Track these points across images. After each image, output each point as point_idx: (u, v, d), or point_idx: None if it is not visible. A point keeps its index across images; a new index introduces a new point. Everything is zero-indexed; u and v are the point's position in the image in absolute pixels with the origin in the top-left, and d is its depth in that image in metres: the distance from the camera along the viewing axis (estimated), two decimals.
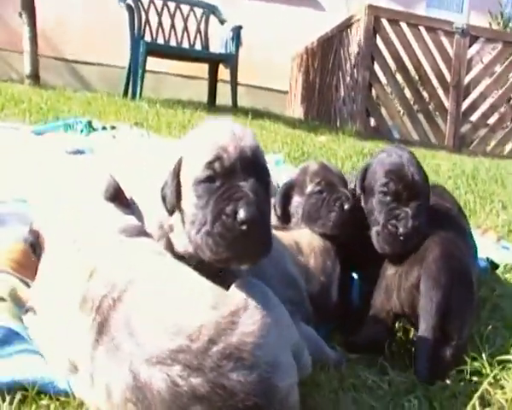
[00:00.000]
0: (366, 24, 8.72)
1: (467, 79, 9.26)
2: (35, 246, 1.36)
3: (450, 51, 9.09)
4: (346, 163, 5.60)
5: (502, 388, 1.55)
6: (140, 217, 1.41)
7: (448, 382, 1.51)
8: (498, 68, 9.53)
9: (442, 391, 1.48)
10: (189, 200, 1.29)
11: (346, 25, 9.85)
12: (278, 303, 1.18)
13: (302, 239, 1.85)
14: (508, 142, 10.13)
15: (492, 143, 10.12)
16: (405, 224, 1.77)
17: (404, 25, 8.87)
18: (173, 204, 1.32)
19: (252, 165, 1.26)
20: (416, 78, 9.40)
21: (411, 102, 9.73)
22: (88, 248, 1.22)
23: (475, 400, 1.42)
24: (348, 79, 9.96)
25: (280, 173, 4.16)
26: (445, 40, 9.06)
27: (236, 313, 1.05)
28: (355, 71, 9.61)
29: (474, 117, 9.75)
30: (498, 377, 1.56)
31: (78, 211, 1.34)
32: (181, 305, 1.06)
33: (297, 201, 1.99)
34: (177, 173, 1.34)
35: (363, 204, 1.96)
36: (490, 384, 1.54)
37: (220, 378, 0.98)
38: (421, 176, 1.88)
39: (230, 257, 1.22)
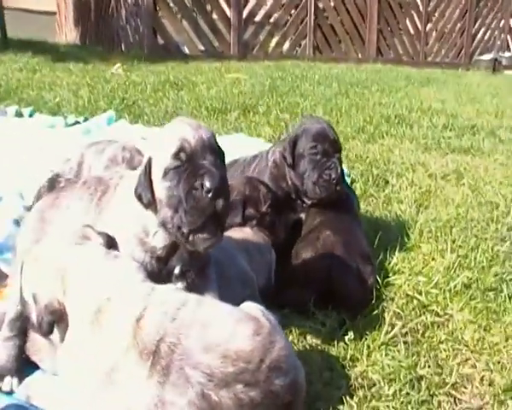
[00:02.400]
0: None
1: None
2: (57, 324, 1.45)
3: None
4: (161, 100, 5.68)
5: (392, 300, 2.17)
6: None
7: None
8: None
9: (363, 319, 2.03)
10: (162, 188, 1.52)
11: None
12: None
13: (247, 238, 2.14)
14: (284, 42, 11.20)
15: (272, 45, 11.09)
16: (336, 170, 2.33)
17: None
18: (149, 198, 1.53)
19: (209, 148, 1.54)
20: None
21: (195, 16, 9.98)
22: (126, 300, 1.37)
23: (389, 317, 2.01)
24: (130, 0, 9.69)
25: (118, 133, 4.12)
26: None
27: (271, 333, 1.39)
28: None
29: (254, 24, 10.48)
30: (391, 296, 2.17)
31: (96, 270, 1.43)
32: (231, 336, 1.33)
33: (252, 214, 2.25)
34: (148, 171, 1.55)
35: (292, 170, 2.43)
36: (388, 301, 2.15)
37: (269, 386, 1.32)
38: (337, 135, 2.45)
39: (206, 223, 1.49)
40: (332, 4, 11.22)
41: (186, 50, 10.31)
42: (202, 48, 10.24)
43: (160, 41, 9.83)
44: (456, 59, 13.19)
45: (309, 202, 2.43)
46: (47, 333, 1.48)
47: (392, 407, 1.63)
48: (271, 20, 10.80)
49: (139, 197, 1.55)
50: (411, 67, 11.43)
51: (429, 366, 1.82)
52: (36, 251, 1.53)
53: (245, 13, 10.16)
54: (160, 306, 1.38)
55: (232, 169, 2.78)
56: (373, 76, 8.75)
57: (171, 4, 9.66)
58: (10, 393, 1.62)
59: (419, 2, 12.09)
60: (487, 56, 12.42)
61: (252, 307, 1.51)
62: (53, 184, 2.28)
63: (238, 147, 3.58)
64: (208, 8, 9.85)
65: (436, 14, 12.42)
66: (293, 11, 11.06)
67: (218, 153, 1.58)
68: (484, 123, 5.50)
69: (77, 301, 1.42)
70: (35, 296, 1.48)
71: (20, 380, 1.65)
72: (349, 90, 6.97)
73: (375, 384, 1.75)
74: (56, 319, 1.46)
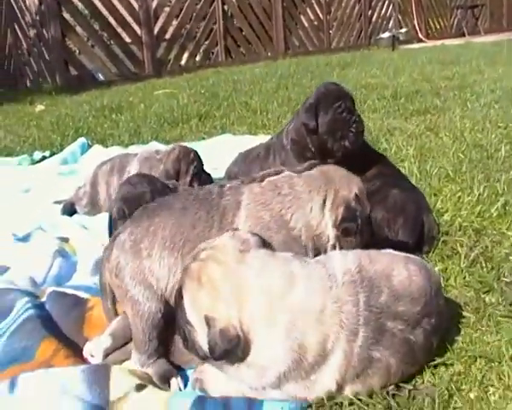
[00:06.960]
0: None
1: (154, 4, 9.91)
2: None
3: None
4: (115, 123, 5.67)
5: (449, 233, 2.47)
6: None
7: None
8: None
9: (438, 252, 2.31)
10: None
11: None
12: None
13: None
14: (197, 53, 11.41)
15: (185, 58, 11.27)
16: (361, 121, 2.50)
17: None
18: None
19: None
20: (107, 13, 9.57)
21: (107, 41, 9.95)
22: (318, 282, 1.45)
23: (457, 246, 2.31)
24: (33, 32, 9.45)
25: (97, 157, 4.06)
26: None
27: (421, 261, 1.69)
28: (39, 23, 9.18)
29: (166, 40, 10.61)
30: (447, 231, 2.47)
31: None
32: (409, 279, 1.52)
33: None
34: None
35: (315, 135, 2.49)
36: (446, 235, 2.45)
37: (439, 309, 1.57)
38: None
39: None
40: (238, 8, 11.62)
41: (101, 77, 10.24)
42: (117, 71, 10.22)
43: (73, 71, 9.69)
44: (357, 41, 14.13)
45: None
46: (219, 359, 1.41)
47: (504, 308, 1.91)
48: (182, 34, 10.97)
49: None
50: (319, 55, 12.09)
51: (510, 274, 2.13)
52: (196, 270, 1.46)
53: (156, 30, 10.27)
54: (346, 275, 1.47)
55: (247, 166, 2.98)
56: (297, 68, 9.20)
57: (80, 32, 9.57)
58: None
59: None
60: (386, 34, 13.41)
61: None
62: (120, 212, 2.28)
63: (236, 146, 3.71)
64: (120, 31, 9.83)
65: (335, 4, 13.27)
66: (201, 22, 11.31)
67: None
68: (423, 88, 6.07)
69: (260, 316, 1.41)
70: (209, 320, 1.40)
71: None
72: (287, 83, 7.33)
73: (471, 301, 2.02)
74: (232, 348, 1.38)
